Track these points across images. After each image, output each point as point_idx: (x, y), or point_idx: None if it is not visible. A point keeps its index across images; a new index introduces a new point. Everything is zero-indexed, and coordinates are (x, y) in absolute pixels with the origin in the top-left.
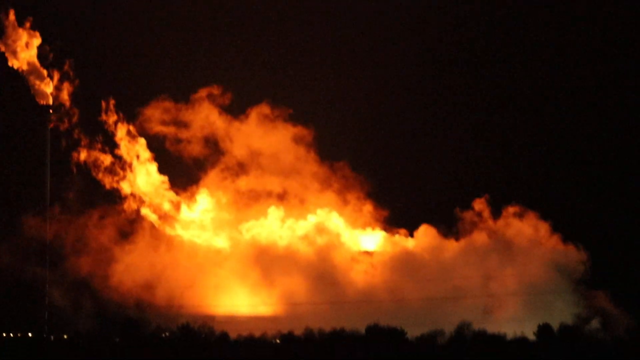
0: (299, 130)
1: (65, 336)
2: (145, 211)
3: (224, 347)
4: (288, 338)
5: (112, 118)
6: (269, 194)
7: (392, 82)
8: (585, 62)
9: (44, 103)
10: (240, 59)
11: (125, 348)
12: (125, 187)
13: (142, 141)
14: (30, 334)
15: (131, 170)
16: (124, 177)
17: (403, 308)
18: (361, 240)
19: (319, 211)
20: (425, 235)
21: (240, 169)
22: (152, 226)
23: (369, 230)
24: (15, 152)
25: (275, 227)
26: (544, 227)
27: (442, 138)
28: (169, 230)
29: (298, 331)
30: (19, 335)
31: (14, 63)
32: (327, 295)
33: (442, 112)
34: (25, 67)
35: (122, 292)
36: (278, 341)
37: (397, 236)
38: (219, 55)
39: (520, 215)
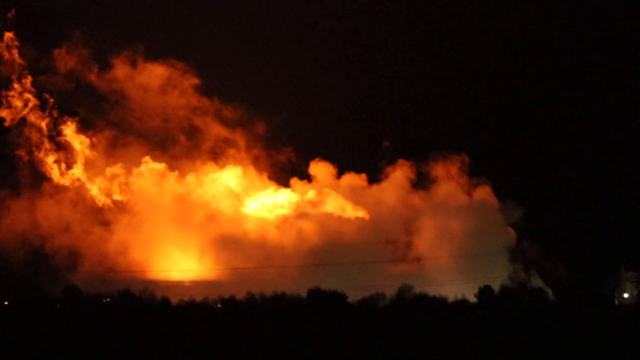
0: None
1: (5, 302)
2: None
3: (165, 312)
4: (230, 302)
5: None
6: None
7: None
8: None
9: None
10: None
11: (67, 314)
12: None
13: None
14: None
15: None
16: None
17: (343, 271)
18: (280, 198)
19: (228, 169)
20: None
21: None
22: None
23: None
24: None
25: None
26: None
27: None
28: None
29: (240, 296)
30: None
31: None
32: (267, 260)
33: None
34: None
35: (61, 257)
36: (220, 306)
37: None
38: None
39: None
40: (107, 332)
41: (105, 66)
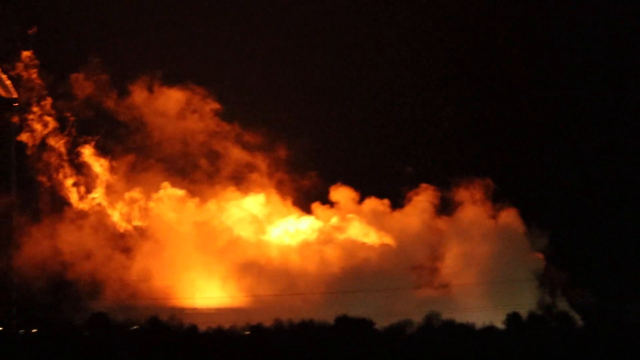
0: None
1: (34, 330)
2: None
3: (193, 339)
4: (257, 329)
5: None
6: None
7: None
8: None
9: (7, 96)
10: None
11: (93, 341)
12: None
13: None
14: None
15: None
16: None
17: (371, 298)
18: (303, 224)
19: (251, 196)
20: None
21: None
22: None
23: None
24: None
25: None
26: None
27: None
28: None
29: (267, 323)
30: None
31: None
32: (292, 287)
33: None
34: None
35: (95, 288)
36: (247, 333)
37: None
38: None
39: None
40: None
41: (123, 91)
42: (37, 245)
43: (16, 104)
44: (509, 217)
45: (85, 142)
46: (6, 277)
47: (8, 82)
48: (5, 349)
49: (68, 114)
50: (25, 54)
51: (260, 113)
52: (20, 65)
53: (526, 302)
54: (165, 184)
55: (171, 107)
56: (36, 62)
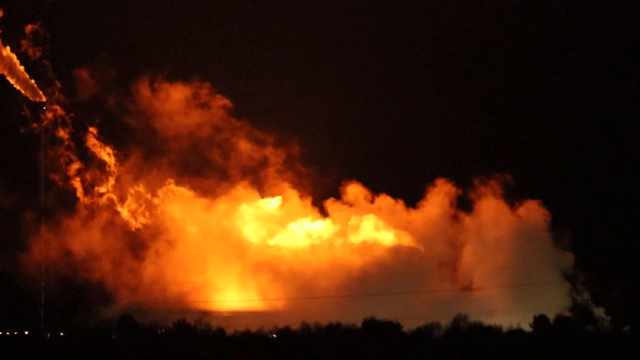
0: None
1: (61, 333)
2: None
3: (221, 343)
4: (285, 333)
5: None
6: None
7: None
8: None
9: (37, 100)
10: None
11: (122, 345)
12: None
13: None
14: (26, 332)
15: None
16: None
17: (398, 301)
18: (320, 225)
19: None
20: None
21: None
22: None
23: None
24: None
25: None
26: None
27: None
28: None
29: (295, 326)
30: (15, 333)
31: None
32: (321, 290)
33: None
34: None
35: (115, 289)
36: (275, 336)
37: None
38: None
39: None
40: None
41: (130, 89)
42: (44, 245)
43: (45, 107)
44: (531, 211)
45: (92, 125)
46: (35, 279)
47: (33, 83)
48: (34, 352)
49: (75, 105)
50: (32, 27)
51: (270, 110)
52: (25, 43)
53: (553, 303)
54: (170, 180)
55: (177, 105)
56: (45, 36)
